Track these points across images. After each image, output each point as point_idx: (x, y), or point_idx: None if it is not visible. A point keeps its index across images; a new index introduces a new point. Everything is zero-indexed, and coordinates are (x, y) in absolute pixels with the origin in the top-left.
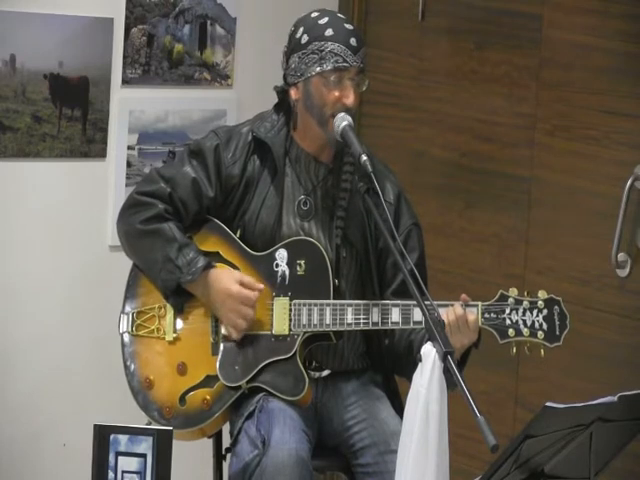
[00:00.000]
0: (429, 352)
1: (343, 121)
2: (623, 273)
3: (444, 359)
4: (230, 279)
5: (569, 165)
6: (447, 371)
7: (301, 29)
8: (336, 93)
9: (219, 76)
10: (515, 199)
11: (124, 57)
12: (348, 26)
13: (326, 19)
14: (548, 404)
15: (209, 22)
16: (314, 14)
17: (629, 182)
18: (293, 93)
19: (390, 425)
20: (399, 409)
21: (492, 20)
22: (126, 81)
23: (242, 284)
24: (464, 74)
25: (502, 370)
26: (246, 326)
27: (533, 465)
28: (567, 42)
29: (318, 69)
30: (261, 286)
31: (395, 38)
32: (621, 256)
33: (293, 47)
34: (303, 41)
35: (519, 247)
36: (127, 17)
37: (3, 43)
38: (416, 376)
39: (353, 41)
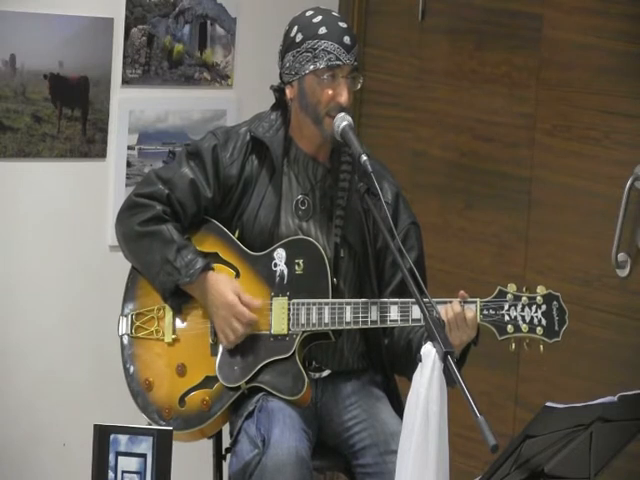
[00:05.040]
0: (429, 352)
1: (343, 121)
2: (623, 273)
3: (444, 359)
4: (228, 286)
5: (569, 165)
6: (447, 370)
7: (295, 28)
8: (330, 91)
9: (219, 76)
10: (515, 199)
11: (124, 57)
12: (342, 24)
13: (320, 17)
14: (548, 404)
15: (209, 22)
16: (308, 12)
17: (629, 182)
18: (289, 92)
19: (390, 425)
20: (399, 409)
21: (492, 20)
22: (126, 81)
23: (240, 298)
24: (464, 74)
25: (502, 370)
26: (234, 339)
27: (533, 465)
28: (567, 42)
29: (311, 67)
30: (258, 303)
31: (395, 38)
32: (621, 256)
33: (288, 46)
34: (297, 40)
35: (519, 247)
36: (127, 17)
37: (3, 43)
38: (416, 376)
39: (347, 39)
